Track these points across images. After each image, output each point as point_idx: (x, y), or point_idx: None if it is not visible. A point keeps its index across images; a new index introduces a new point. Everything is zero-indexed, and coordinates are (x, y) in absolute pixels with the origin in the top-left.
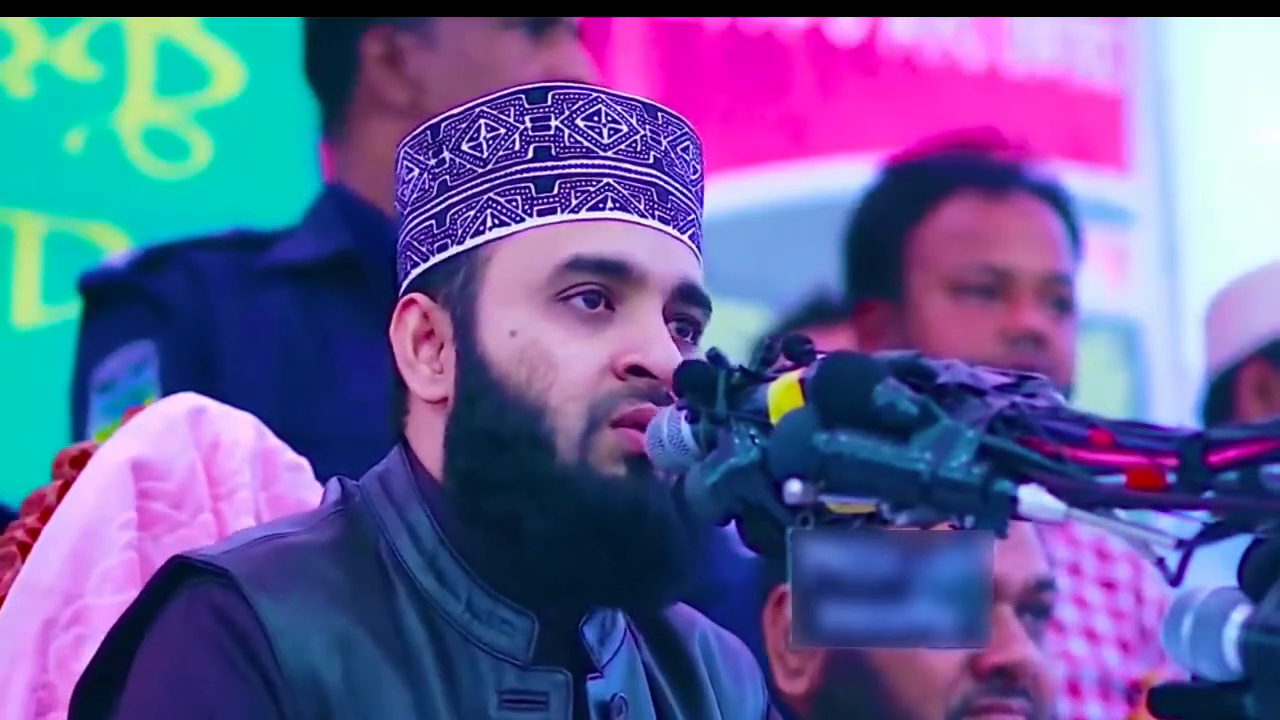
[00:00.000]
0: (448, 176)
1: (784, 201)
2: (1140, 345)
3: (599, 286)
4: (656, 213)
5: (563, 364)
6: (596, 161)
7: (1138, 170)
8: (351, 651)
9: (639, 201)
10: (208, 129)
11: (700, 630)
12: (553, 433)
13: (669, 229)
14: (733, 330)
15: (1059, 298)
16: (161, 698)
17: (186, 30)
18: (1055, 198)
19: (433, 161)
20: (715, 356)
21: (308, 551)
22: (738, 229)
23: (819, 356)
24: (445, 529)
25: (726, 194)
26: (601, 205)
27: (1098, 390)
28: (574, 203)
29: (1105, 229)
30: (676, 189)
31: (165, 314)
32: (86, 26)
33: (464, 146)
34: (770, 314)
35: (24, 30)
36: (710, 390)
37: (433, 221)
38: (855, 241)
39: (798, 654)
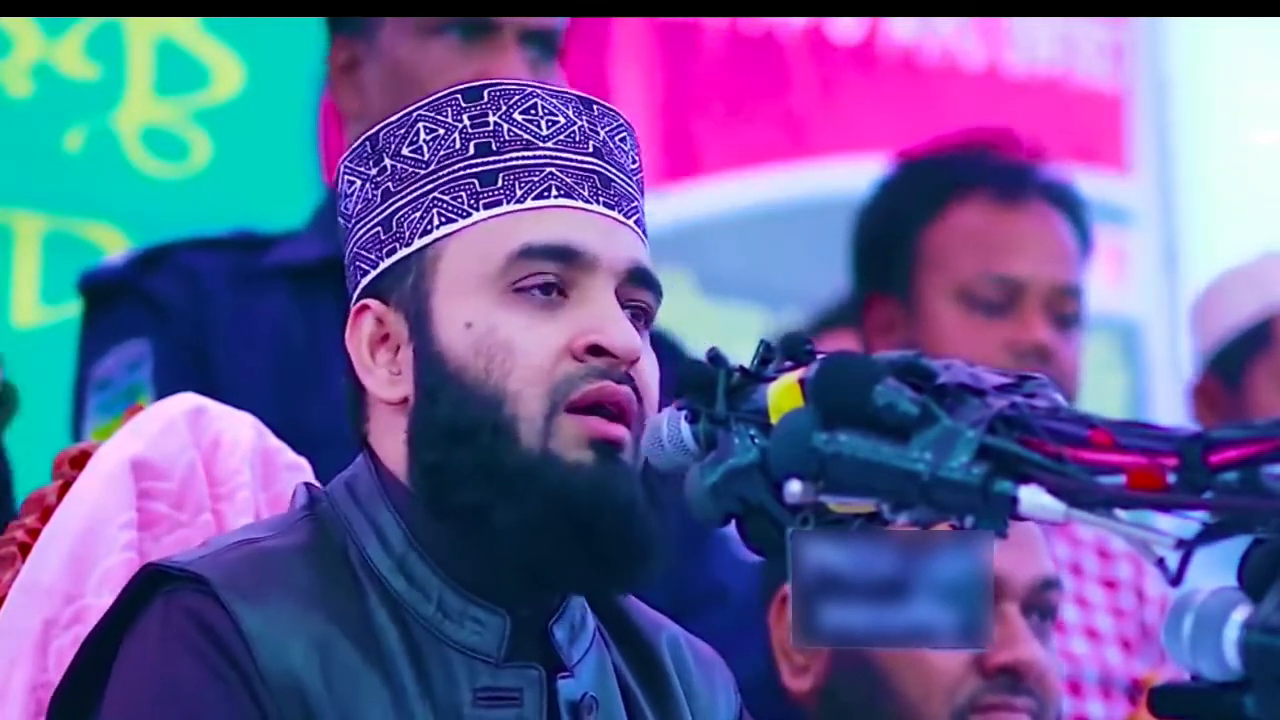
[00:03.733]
0: (390, 183)
1: (784, 201)
2: (1139, 345)
3: (552, 275)
4: (601, 199)
5: (520, 351)
6: (537, 152)
7: (1137, 170)
8: (329, 654)
9: (583, 189)
10: (207, 129)
11: (668, 632)
12: (514, 419)
13: (615, 214)
14: (733, 330)
15: (1068, 311)
16: (145, 704)
17: (186, 30)
18: (1068, 202)
19: (374, 171)
20: (715, 356)
21: (280, 556)
22: (738, 229)
23: (819, 356)
24: (414, 531)
25: (726, 194)
26: (547, 194)
27: (1097, 390)
28: (519, 193)
29: (1105, 229)
30: (618, 177)
31: (161, 313)
32: (86, 26)
33: (404, 151)
34: (769, 314)
35: (23, 30)
36: (710, 390)
37: (379, 229)
38: (865, 236)
39: (804, 651)
